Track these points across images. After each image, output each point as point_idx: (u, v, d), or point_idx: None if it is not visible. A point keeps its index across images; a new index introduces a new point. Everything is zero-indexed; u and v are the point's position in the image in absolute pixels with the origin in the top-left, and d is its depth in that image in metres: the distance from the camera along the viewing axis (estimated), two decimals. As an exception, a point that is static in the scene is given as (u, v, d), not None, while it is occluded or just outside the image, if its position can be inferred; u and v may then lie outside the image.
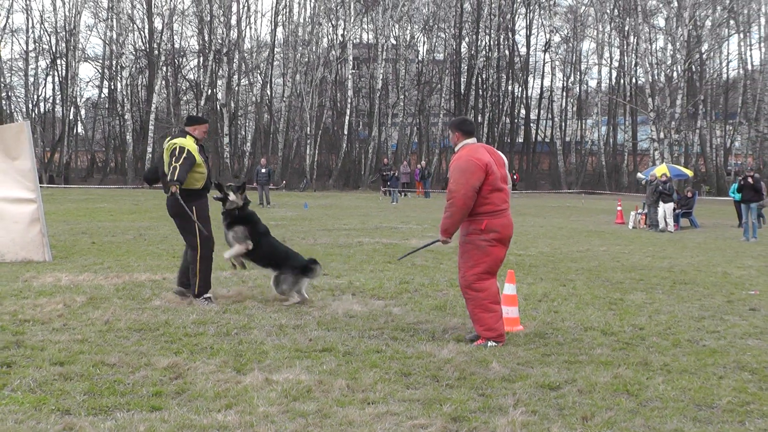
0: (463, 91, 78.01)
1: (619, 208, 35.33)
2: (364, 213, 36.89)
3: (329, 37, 77.53)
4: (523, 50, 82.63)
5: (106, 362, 8.53)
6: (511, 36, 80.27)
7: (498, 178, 9.76)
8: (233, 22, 73.74)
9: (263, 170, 42.44)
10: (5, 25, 73.46)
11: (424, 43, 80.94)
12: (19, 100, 74.32)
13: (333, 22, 77.11)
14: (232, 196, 12.36)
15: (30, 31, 74.66)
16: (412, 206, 45.01)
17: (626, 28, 75.75)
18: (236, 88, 74.52)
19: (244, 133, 76.65)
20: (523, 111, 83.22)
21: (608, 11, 76.67)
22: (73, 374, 8.07)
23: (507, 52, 79.80)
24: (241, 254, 12.61)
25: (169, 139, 12.34)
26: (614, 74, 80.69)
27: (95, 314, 11.17)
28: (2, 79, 71.15)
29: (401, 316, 11.47)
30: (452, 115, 76.12)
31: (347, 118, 71.55)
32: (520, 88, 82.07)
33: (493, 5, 75.99)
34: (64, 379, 7.91)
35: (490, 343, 9.59)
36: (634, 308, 12.60)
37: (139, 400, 7.30)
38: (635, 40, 73.85)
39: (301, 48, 72.08)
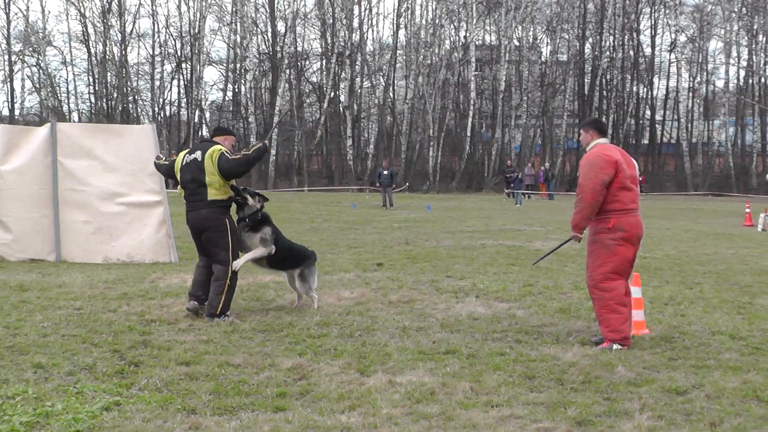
0: (586, 93, 77.28)
1: (747, 210, 34.55)
2: (487, 215, 36.74)
3: (451, 39, 77.55)
4: (647, 50, 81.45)
5: (231, 363, 8.61)
6: (635, 36, 79.26)
7: (627, 176, 9.65)
8: (355, 24, 74.19)
9: (385, 172, 42.55)
10: (132, 29, 75.04)
11: (547, 44, 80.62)
12: (145, 103, 75.87)
13: (455, 24, 76.98)
14: (250, 200, 11.58)
15: (156, 35, 76.24)
16: (536, 208, 44.75)
17: (755, 27, 74.16)
18: (359, 91, 74.96)
19: (366, 135, 76.94)
20: (648, 112, 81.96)
21: (736, 10, 75.14)
22: (199, 374, 8.17)
23: (631, 52, 78.82)
24: (259, 258, 11.71)
25: (187, 152, 11.66)
26: (742, 74, 79.16)
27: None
28: (129, 83, 72.65)
29: (525, 319, 11.37)
30: (576, 117, 75.63)
31: (470, 119, 71.51)
32: (645, 89, 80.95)
33: (617, 5, 75.13)
34: (190, 379, 8.00)
35: (615, 346, 9.45)
36: (763, 312, 12.26)
37: (263, 401, 7.35)
38: (764, 39, 72.26)
39: (423, 50, 72.21)
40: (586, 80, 77.59)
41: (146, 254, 17.34)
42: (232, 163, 11.08)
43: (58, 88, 74.60)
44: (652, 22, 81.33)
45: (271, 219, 11.92)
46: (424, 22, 75.24)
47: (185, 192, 11.55)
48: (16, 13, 73.39)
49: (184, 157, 11.60)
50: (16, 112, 73.17)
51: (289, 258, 12.06)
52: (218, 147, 11.28)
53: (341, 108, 73.33)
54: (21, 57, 73.38)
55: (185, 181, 11.47)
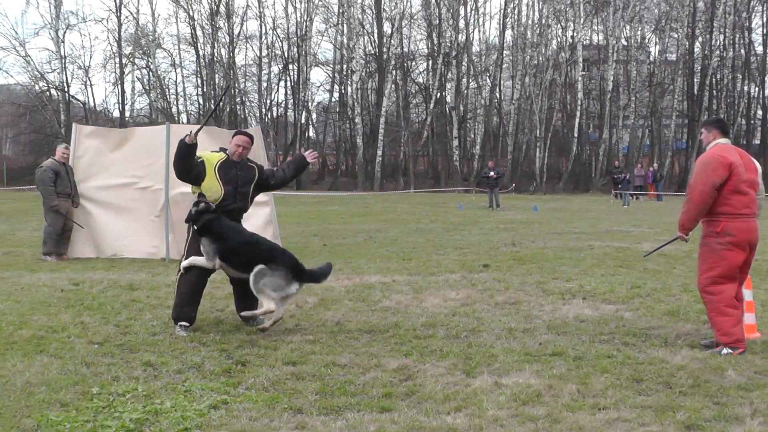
0: (696, 92, 76.11)
1: None
2: (595, 216, 36.40)
3: (558, 39, 77.12)
4: (759, 49, 79.81)
5: (337, 363, 8.64)
6: (747, 34, 77.78)
7: (743, 180, 9.40)
8: (461, 25, 74.16)
9: (492, 173, 42.39)
10: (239, 31, 75.97)
11: (655, 43, 79.61)
12: (252, 104, 76.84)
13: (562, 24, 76.53)
14: (193, 208, 10.28)
15: (263, 37, 77.23)
16: (644, 209, 44.21)
17: None
18: (465, 91, 74.89)
19: (473, 136, 76.95)
20: (759, 112, 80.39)
21: None
22: (305, 374, 8.20)
23: (743, 51, 77.36)
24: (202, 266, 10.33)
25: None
26: None
27: (326, 315, 11.36)
28: (237, 85, 73.51)
29: (633, 321, 11.22)
30: (685, 117, 74.66)
31: (577, 120, 71.06)
32: (757, 89, 79.16)
33: (727, 3, 73.78)
34: (297, 379, 8.04)
35: (724, 351, 9.23)
36: None
37: (369, 401, 7.36)
38: None
39: (530, 50, 71.91)
40: (695, 80, 76.41)
41: (253, 254, 17.47)
42: None
43: (167, 89, 76.08)
44: (764, 20, 79.71)
45: (218, 224, 10.30)
46: (530, 22, 75.10)
47: None
48: (126, 17, 74.73)
49: None
50: (127, 114, 74.75)
51: (252, 255, 10.22)
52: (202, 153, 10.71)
53: (447, 109, 73.39)
54: (131, 59, 74.92)
55: None
